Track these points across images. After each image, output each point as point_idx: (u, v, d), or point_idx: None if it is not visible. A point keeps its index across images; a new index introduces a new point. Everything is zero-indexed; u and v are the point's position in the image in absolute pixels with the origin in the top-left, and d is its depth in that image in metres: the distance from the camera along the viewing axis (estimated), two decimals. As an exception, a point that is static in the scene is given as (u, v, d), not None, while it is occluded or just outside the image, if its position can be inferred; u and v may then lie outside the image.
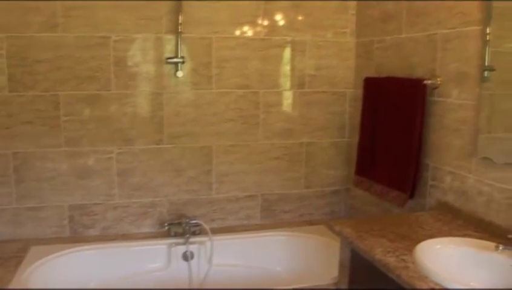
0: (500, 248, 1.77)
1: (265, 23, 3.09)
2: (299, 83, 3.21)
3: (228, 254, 3.03)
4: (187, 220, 3.01)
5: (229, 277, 2.98)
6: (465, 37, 2.31)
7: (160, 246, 2.95)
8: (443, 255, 1.88)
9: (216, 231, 3.05)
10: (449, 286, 1.61)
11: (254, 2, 3.04)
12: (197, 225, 3.02)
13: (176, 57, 2.93)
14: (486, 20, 2.16)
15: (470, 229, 2.19)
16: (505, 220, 2.10)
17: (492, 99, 2.20)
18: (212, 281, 2.93)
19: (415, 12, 2.66)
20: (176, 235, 2.99)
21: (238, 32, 3.05)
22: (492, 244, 1.83)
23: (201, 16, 2.96)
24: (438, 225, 2.25)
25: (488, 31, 2.15)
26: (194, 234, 3.01)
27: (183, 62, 2.94)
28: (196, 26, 2.96)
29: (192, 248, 2.96)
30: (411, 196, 2.58)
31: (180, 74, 2.94)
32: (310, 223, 3.29)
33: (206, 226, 2.99)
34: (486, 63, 2.17)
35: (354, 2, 3.23)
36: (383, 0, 2.94)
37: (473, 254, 1.89)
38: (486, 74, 2.18)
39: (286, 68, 3.18)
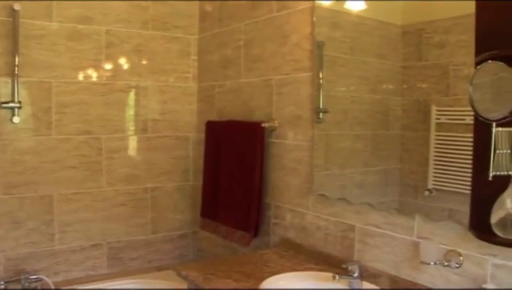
0: (337, 277, 1.89)
1: (108, 67, 3.05)
2: (142, 128, 3.19)
3: (74, 309, 2.87)
4: (27, 276, 2.79)
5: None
6: (298, 82, 2.47)
7: (-5, 308, 2.71)
8: (286, 290, 1.95)
9: (60, 285, 2.88)
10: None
11: (95, 46, 2.99)
12: (39, 279, 2.81)
13: (12, 101, 2.75)
14: (319, 66, 2.33)
15: (311, 263, 2.30)
16: (340, 251, 2.24)
17: (328, 139, 2.36)
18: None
19: (252, 58, 2.80)
20: (14, 293, 2.77)
21: (79, 77, 2.96)
22: (330, 274, 1.94)
23: (39, 58, 2.84)
24: (282, 261, 2.33)
25: (321, 76, 2.32)
26: (35, 290, 2.81)
27: (20, 107, 2.77)
28: (35, 69, 2.83)
29: (34, 305, 2.76)
30: (255, 235, 2.65)
31: (16, 119, 2.77)
32: (159, 268, 3.24)
33: (49, 281, 2.80)
34: (321, 106, 2.33)
35: (196, 48, 3.31)
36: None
37: (314, 286, 2.00)
38: (321, 115, 2.34)
39: (129, 113, 3.15)
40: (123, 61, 3.11)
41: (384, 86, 2.18)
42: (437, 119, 1.88)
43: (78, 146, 2.99)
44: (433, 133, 1.89)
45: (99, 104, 3.04)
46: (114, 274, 3.13)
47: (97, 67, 3.02)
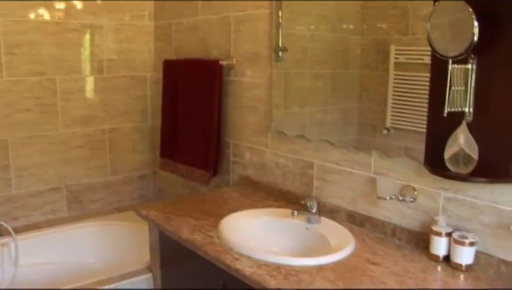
0: (296, 213, 1.93)
1: (60, 6, 2.91)
2: (98, 68, 3.10)
3: (36, 252, 2.85)
4: (-15, 222, 2.76)
5: (40, 277, 2.81)
6: (256, 19, 2.43)
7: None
8: (246, 227, 1.99)
9: (20, 230, 2.85)
10: (251, 255, 1.71)
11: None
12: (-3, 225, 2.79)
13: (-44, 41, 2.64)
14: (278, 3, 2.29)
15: (270, 200, 2.34)
16: (299, 187, 2.27)
17: (287, 77, 2.35)
18: (21, 284, 2.73)
19: (209, -6, 2.73)
20: (-28, 240, 2.73)
21: (29, 15, 2.83)
22: (289, 211, 1.98)
23: (-17, -4, 2.70)
24: (241, 199, 2.36)
25: (280, 14, 2.28)
26: (-6, 235, 2.78)
27: (-35, 48, 2.66)
28: (-22, 7, 2.70)
29: (-7, 251, 2.73)
30: (215, 173, 2.67)
31: (-38, 61, 2.67)
32: (120, 210, 3.24)
33: (8, 226, 2.75)
34: (280, 44, 2.30)
35: (151, -15, 3.22)
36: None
37: (273, 222, 2.03)
38: (280, 54, 2.31)
39: (84, 53, 3.05)
40: (76, -1, 2.99)
41: (344, 26, 2.16)
42: (396, 58, 1.89)
43: (31, 88, 2.89)
44: (392, 72, 1.90)
45: (52, 44, 2.92)
46: (75, 217, 3.12)
47: (48, 5, 2.88)
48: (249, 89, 2.51)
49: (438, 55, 1.55)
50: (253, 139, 2.51)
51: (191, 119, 2.75)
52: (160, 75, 3.08)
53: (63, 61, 2.98)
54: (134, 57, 3.22)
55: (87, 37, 3.05)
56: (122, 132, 3.25)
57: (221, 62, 2.56)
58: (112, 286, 2.30)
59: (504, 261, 1.58)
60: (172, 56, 3.06)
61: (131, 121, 3.27)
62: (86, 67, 3.08)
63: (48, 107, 2.96)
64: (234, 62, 2.57)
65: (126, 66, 3.20)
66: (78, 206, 3.17)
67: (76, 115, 3.06)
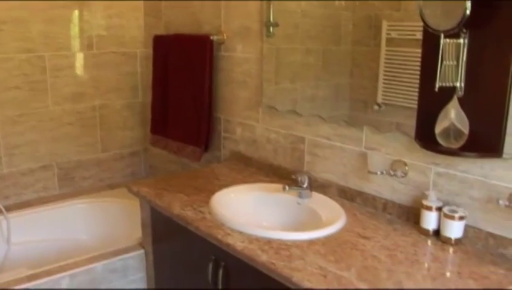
0: (287, 188, 1.94)
1: (46, -20, 2.88)
2: (87, 44, 3.06)
3: (28, 230, 2.86)
4: (-24, 200, 2.75)
5: (33, 254, 2.81)
6: (247, -7, 2.41)
7: None
8: (237, 202, 2.00)
9: (12, 208, 2.84)
10: (242, 230, 1.72)
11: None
12: (-12, 203, 2.78)
13: None
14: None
15: (262, 175, 2.35)
16: (290, 163, 2.28)
17: (278, 53, 2.33)
18: (14, 261, 2.74)
19: (199, -31, 2.70)
20: (-37, 219, 2.72)
21: (15, -9, 2.79)
22: (280, 186, 1.99)
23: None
24: (233, 174, 2.36)
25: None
26: (-15, 214, 2.77)
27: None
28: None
29: (-15, 230, 2.73)
30: (206, 149, 2.67)
31: None
32: (111, 187, 3.24)
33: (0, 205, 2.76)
34: (271, 19, 2.28)
35: (140, -41, 3.17)
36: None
37: (264, 197, 2.04)
38: (271, 29, 2.30)
39: (73, 29, 3.01)
40: (63, -26, 2.93)
41: (336, 1, 2.15)
42: (388, 34, 1.88)
43: (20, 65, 2.85)
44: (384, 48, 1.89)
45: (39, 21, 2.87)
46: (66, 194, 3.11)
47: (35, -20, 2.84)
48: (240, 64, 2.49)
49: (430, 30, 1.55)
50: (244, 114, 2.51)
51: (182, 95, 2.74)
52: (150, 51, 3.05)
53: (52, 38, 2.93)
54: (123, 32, 3.18)
55: (76, 13, 3.01)
56: (113, 109, 3.23)
57: (211, 37, 2.54)
58: (104, 262, 2.32)
59: (492, 235, 1.60)
60: (162, 32, 3.03)
61: (121, 98, 3.25)
62: (76, 43, 3.03)
63: (37, 84, 2.93)
64: (225, 37, 2.55)
65: (115, 42, 3.16)
66: (70, 184, 3.16)
67: (66, 92, 3.03)
